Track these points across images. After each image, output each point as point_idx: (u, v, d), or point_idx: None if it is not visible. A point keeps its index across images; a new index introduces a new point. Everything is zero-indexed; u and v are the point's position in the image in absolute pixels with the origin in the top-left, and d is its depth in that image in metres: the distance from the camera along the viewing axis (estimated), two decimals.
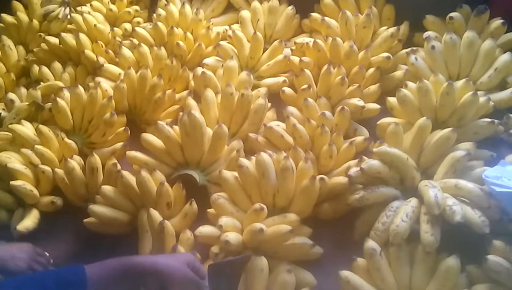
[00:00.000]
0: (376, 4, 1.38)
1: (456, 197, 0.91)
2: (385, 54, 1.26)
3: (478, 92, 1.06)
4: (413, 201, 0.94)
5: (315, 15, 1.39)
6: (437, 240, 0.87)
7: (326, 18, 1.34)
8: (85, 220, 1.08)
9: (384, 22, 1.38)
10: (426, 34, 1.26)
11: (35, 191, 1.13)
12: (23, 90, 1.34)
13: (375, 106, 1.22)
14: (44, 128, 1.19)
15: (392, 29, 1.29)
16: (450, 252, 0.87)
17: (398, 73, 1.28)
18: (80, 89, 1.24)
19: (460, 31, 1.23)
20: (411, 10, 1.36)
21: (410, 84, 1.13)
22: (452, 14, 1.26)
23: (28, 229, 1.09)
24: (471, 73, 1.18)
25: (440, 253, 0.88)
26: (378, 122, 1.17)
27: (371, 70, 1.26)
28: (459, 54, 1.18)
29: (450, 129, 1.01)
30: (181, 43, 1.35)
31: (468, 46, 1.18)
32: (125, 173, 1.06)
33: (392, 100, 1.16)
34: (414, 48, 1.26)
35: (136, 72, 1.28)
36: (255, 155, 1.02)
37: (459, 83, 1.09)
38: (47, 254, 1.05)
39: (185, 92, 1.32)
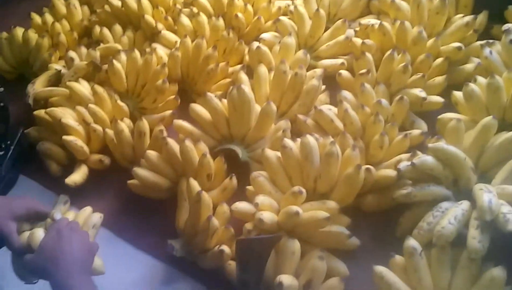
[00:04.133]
0: None
1: None
2: (457, 44, 1.22)
3: None
4: (464, 204, 0.92)
5: None
6: (485, 247, 0.84)
7: None
8: (128, 182, 1.15)
9: (461, 10, 1.32)
10: (505, 26, 1.19)
11: (86, 148, 1.22)
12: (84, 50, 1.44)
13: (438, 99, 1.19)
14: (99, 88, 1.27)
15: (468, 18, 1.24)
16: (497, 263, 0.84)
17: (469, 66, 1.23)
18: (136, 53, 1.31)
19: None
20: None
21: (480, 79, 1.09)
22: None
23: (76, 183, 1.18)
24: None
25: (486, 262, 0.86)
26: (439, 117, 1.14)
27: (439, 60, 1.22)
28: None
29: None
30: (240, 15, 1.38)
31: None
32: (170, 140, 1.12)
33: (458, 94, 1.13)
34: (490, 41, 1.20)
35: (192, 41, 1.33)
36: (301, 137, 1.04)
37: None
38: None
39: (239, 66, 1.36)
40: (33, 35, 1.48)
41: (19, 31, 1.50)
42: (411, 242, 0.90)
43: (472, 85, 1.07)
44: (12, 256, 0.92)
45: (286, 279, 0.89)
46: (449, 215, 0.90)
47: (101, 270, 0.96)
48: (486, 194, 0.88)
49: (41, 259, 0.83)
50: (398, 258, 0.92)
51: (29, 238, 0.89)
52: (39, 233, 0.90)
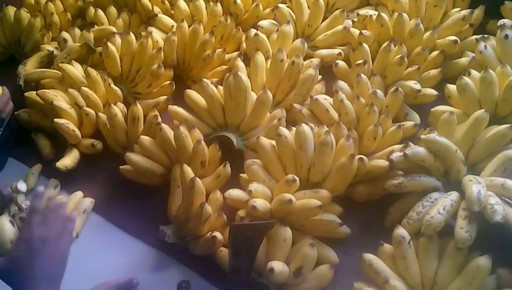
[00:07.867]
0: None
1: (501, 197, 0.94)
2: (453, 38, 1.27)
3: None
4: (453, 195, 0.98)
5: None
6: (472, 237, 0.90)
7: None
8: (121, 167, 1.18)
9: (458, 4, 1.38)
10: (501, 21, 1.25)
11: (78, 132, 1.24)
12: (77, 31, 1.45)
13: (432, 92, 1.24)
14: (93, 71, 1.29)
15: (465, 12, 1.29)
16: (483, 252, 0.90)
17: (463, 60, 1.29)
18: (132, 36, 1.33)
19: None
20: None
21: (474, 72, 1.15)
22: None
23: (67, 168, 1.20)
24: None
25: (472, 252, 0.92)
26: (432, 109, 1.20)
27: (435, 53, 1.28)
28: None
29: (508, 125, 1.02)
30: (238, 1, 1.42)
31: None
32: (164, 126, 1.14)
33: (451, 87, 1.19)
34: (486, 36, 1.26)
35: (189, 26, 1.36)
36: (296, 126, 1.08)
37: None
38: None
39: (236, 53, 1.40)
40: (25, 14, 1.50)
41: (10, 10, 1.51)
42: (400, 231, 0.95)
43: (466, 78, 1.12)
44: None
45: (277, 265, 0.94)
46: (438, 205, 0.95)
47: None
48: (475, 185, 0.94)
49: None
50: (386, 246, 0.98)
51: None
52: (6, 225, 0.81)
